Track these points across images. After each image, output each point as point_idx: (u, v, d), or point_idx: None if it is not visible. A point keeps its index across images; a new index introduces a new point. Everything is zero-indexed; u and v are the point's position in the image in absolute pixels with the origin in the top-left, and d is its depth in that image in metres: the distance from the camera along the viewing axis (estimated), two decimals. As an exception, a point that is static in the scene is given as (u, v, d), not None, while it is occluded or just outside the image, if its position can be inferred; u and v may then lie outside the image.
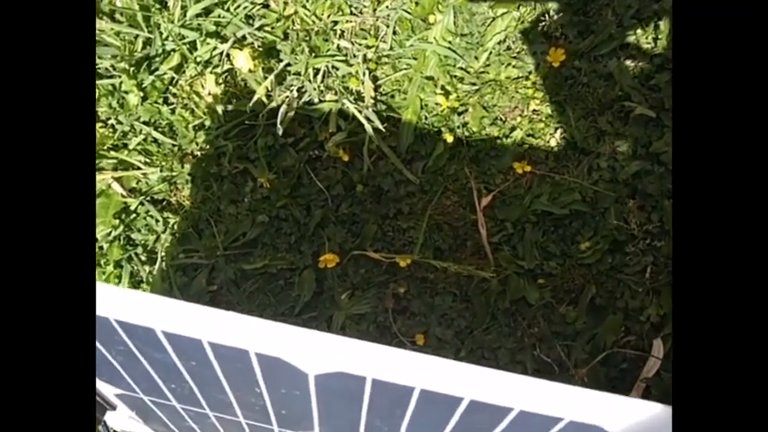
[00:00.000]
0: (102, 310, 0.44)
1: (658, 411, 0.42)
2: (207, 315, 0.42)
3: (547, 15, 1.09)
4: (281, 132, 1.04)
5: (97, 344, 0.51)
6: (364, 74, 1.08)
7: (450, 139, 1.06)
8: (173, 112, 1.11)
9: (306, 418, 0.56)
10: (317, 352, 0.42)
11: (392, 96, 1.10)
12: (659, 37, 1.10)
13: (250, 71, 1.05)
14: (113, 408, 0.71)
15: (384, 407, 0.48)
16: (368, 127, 1.05)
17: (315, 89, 1.06)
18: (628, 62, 1.09)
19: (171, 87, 1.10)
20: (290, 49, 1.10)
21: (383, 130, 1.06)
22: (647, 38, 1.10)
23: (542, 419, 0.43)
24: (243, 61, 1.03)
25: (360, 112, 1.06)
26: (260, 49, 1.10)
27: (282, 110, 1.05)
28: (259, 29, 1.10)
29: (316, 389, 0.48)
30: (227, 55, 1.08)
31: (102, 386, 0.64)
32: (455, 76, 1.09)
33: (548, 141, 1.07)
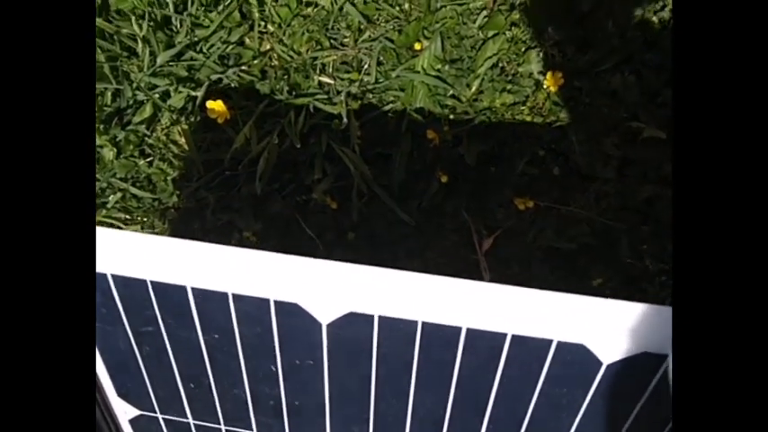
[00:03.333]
0: (139, 269, 0.55)
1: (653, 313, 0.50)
2: (233, 253, 0.54)
3: (542, 32, 1.12)
4: (259, 191, 1.08)
5: (128, 331, 0.61)
6: (348, 112, 1.12)
7: (444, 178, 1.10)
8: (150, 164, 1.16)
9: (317, 415, 0.65)
10: (330, 280, 0.54)
11: (380, 132, 1.14)
12: (666, 48, 1.12)
13: (227, 120, 1.09)
14: None
15: (390, 365, 0.57)
16: (355, 173, 1.09)
17: (296, 134, 1.10)
18: (632, 78, 1.12)
19: (147, 139, 1.15)
20: (269, 89, 1.14)
21: (371, 172, 1.10)
22: (652, 49, 1.12)
23: (533, 348, 0.52)
24: (218, 111, 1.07)
25: (345, 154, 1.10)
26: (237, 90, 1.15)
27: (263, 160, 1.09)
28: (234, 67, 1.15)
29: (328, 348, 0.57)
30: (203, 103, 1.12)
31: (119, 407, 0.73)
32: (446, 106, 1.13)
33: (550, 170, 1.10)
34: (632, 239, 1.09)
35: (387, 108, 1.16)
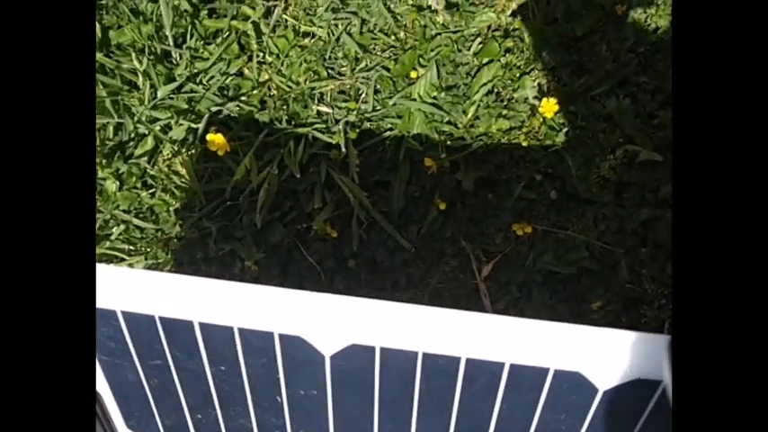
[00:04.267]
0: (147, 306, 0.59)
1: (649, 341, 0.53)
2: (237, 288, 0.58)
3: (536, 58, 1.17)
4: (259, 225, 1.12)
5: (137, 365, 0.65)
6: (347, 140, 1.16)
7: (442, 204, 1.13)
8: (152, 196, 1.20)
9: None
10: (332, 313, 0.57)
11: (379, 159, 1.18)
12: (660, 70, 1.16)
13: (227, 152, 1.13)
14: None
15: (393, 394, 0.61)
16: (354, 202, 1.13)
17: (295, 164, 1.14)
18: (627, 101, 1.16)
19: (148, 171, 1.19)
20: (268, 119, 1.19)
21: (370, 199, 1.14)
22: (646, 72, 1.16)
23: (531, 377, 0.55)
24: (218, 144, 1.12)
25: (344, 183, 1.14)
26: (237, 121, 1.19)
27: (263, 191, 1.13)
28: (234, 99, 1.19)
29: (331, 379, 0.60)
30: (203, 135, 1.16)
31: None
32: (443, 133, 1.17)
33: (547, 194, 1.14)
34: (631, 262, 1.13)
35: (384, 136, 1.20)
